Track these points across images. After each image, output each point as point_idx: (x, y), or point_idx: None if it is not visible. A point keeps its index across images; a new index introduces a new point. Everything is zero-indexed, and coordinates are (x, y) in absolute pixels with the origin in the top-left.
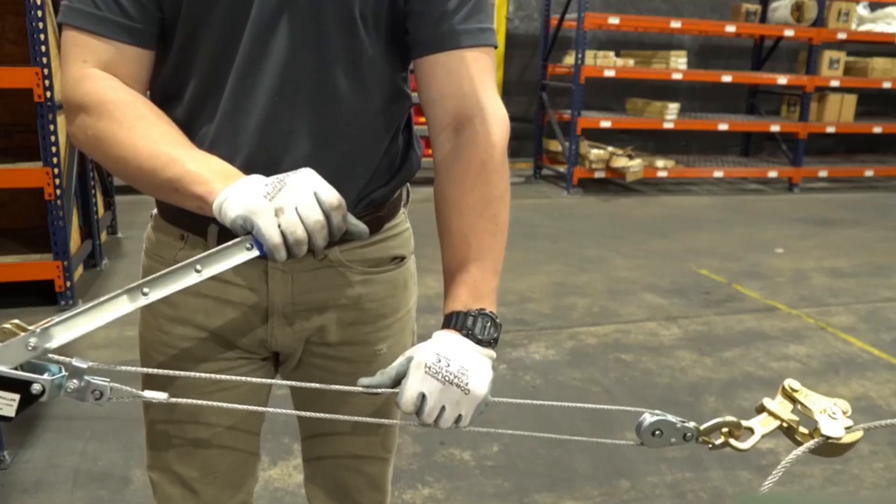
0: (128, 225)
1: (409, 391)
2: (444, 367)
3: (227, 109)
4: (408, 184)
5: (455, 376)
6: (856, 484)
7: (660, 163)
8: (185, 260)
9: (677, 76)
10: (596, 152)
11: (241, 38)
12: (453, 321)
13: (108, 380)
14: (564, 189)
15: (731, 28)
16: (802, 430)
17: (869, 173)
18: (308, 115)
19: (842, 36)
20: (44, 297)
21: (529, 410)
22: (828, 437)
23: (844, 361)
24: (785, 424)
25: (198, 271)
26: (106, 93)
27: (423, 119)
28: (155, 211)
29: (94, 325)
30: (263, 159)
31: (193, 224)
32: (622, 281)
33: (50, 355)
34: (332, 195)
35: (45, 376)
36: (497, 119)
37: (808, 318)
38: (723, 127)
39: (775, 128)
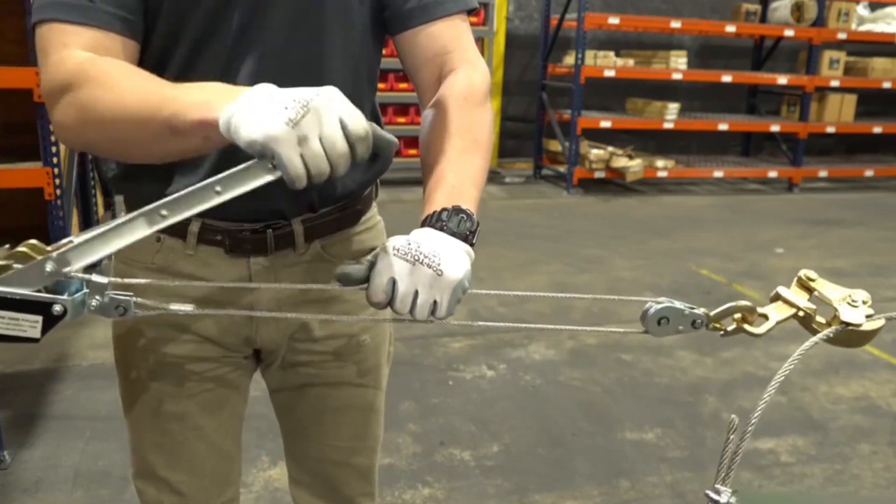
0: None
1: (379, 277)
2: (414, 249)
3: None
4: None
5: (426, 256)
6: (856, 484)
7: (660, 163)
8: (166, 260)
9: (677, 76)
10: (596, 152)
11: (230, 25)
12: (427, 221)
13: (131, 294)
14: (564, 189)
15: (731, 28)
16: (820, 319)
17: (869, 173)
18: None
19: (842, 36)
20: None
21: (530, 411)
22: (847, 324)
23: (844, 361)
24: (801, 313)
25: (217, 192)
26: (88, 63)
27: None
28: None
29: (112, 248)
30: None
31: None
32: (622, 281)
33: (67, 271)
34: (359, 126)
35: (66, 296)
36: (479, 67)
37: None
38: (723, 127)
39: (775, 128)
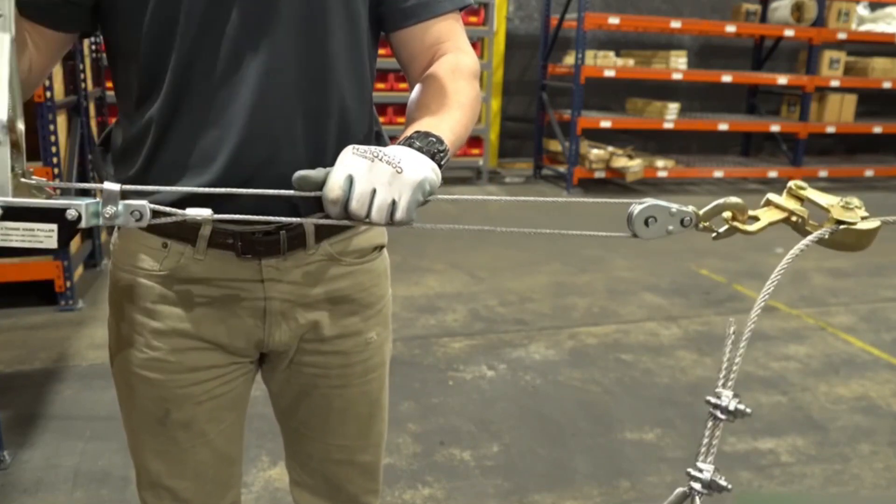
0: None
1: (335, 173)
2: (375, 149)
3: (216, 92)
4: None
5: (385, 155)
6: (856, 484)
7: (660, 163)
8: (175, 265)
9: (677, 76)
10: (596, 152)
11: (229, 17)
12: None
13: (146, 201)
14: (564, 189)
15: (731, 28)
16: (813, 223)
17: (869, 173)
18: (303, 90)
19: (842, 36)
20: (44, 297)
21: (530, 410)
22: (842, 222)
23: (844, 361)
24: (794, 217)
25: None
26: None
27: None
28: None
29: (3, 61)
30: (258, 138)
31: (178, 229)
32: (622, 281)
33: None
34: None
35: (78, 202)
36: (469, 54)
37: (808, 318)
38: (723, 127)
39: (775, 128)
